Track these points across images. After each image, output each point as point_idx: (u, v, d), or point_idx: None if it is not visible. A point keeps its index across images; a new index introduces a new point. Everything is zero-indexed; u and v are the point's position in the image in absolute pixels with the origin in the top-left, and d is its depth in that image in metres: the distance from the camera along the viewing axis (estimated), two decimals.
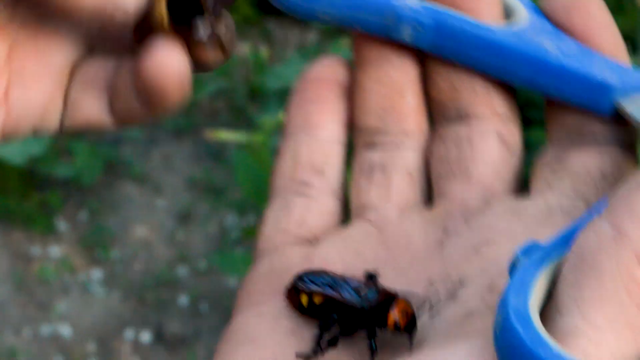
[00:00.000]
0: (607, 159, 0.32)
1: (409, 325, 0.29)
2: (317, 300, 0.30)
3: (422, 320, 0.29)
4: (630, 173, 0.30)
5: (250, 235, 1.58)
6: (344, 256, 0.33)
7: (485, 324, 0.27)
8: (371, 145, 0.36)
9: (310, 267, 0.32)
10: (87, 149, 1.81)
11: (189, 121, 2.10)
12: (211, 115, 2.11)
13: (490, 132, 0.35)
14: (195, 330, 1.56)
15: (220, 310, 1.57)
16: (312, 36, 2.30)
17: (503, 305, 0.23)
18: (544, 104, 0.34)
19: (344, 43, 1.64)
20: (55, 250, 1.76)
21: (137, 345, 1.59)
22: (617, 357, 0.23)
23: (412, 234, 0.33)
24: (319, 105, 0.36)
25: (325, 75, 0.36)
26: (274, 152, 1.24)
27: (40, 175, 1.83)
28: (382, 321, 0.29)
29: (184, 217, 1.83)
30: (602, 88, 0.31)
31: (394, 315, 0.29)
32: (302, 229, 0.35)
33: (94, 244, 1.77)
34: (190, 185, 1.90)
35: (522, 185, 0.35)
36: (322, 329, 0.29)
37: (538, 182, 0.33)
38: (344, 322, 0.30)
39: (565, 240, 0.25)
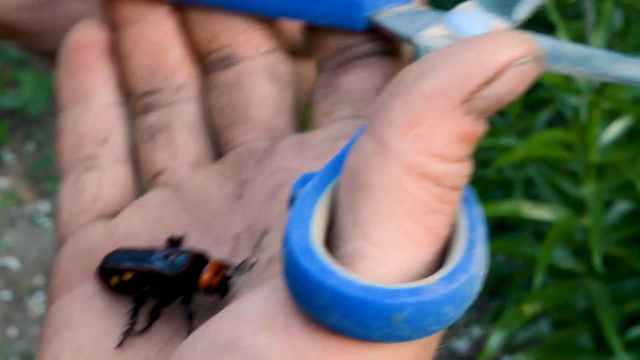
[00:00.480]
0: (376, 73, 0.32)
1: (221, 285, 0.29)
2: (127, 276, 0.30)
3: (240, 277, 0.29)
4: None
5: None
6: (147, 226, 0.32)
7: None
8: (147, 108, 0.35)
9: (114, 243, 0.31)
10: (33, 79, 1.78)
11: None
12: None
13: (258, 71, 0.34)
14: None
15: None
16: None
17: (286, 242, 0.22)
18: (306, 33, 0.34)
19: None
20: (2, 182, 1.74)
21: None
22: (404, 271, 0.22)
23: (209, 190, 0.32)
24: (87, 72, 0.35)
25: (86, 41, 0.35)
26: None
27: None
28: (194, 285, 0.29)
29: None
30: (353, 4, 0.32)
31: (204, 277, 0.28)
32: (99, 204, 0.33)
33: (41, 176, 1.75)
34: None
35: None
36: (137, 303, 0.29)
37: (318, 113, 0.33)
38: (160, 293, 0.29)
39: (338, 164, 0.24)
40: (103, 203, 0.33)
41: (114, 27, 0.35)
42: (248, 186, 0.32)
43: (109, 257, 0.30)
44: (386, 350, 0.22)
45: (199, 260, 0.29)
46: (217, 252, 0.30)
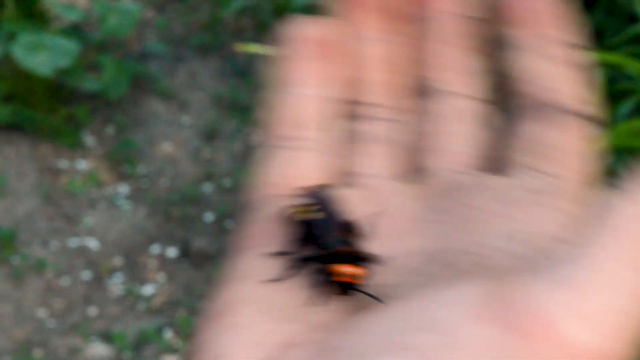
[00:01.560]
0: (570, 133, 0.33)
1: (345, 285, 0.29)
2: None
3: (407, 281, 0.30)
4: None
5: None
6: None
7: (478, 273, 0.28)
8: (355, 115, 0.36)
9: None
10: (114, 64, 1.81)
11: (214, 38, 2.08)
12: (237, 33, 2.10)
13: (464, 109, 0.35)
14: (220, 247, 1.58)
15: None
16: None
17: None
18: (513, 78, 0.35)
19: None
20: (83, 164, 1.77)
21: (163, 260, 1.61)
22: None
23: (401, 205, 0.33)
24: (312, 61, 0.36)
25: (320, 34, 0.36)
26: None
27: (68, 89, 1.83)
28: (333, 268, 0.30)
29: (210, 135, 1.83)
30: None
31: (342, 269, 0.30)
32: (297, 182, 0.35)
33: (121, 159, 1.78)
34: (216, 102, 1.90)
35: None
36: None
37: (511, 158, 0.33)
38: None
39: None
40: (301, 182, 0.35)
41: (345, 35, 0.36)
42: (446, 215, 0.32)
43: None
44: None
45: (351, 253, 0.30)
46: (403, 260, 0.31)
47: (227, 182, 1.72)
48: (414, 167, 0.35)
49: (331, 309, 0.30)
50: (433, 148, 0.35)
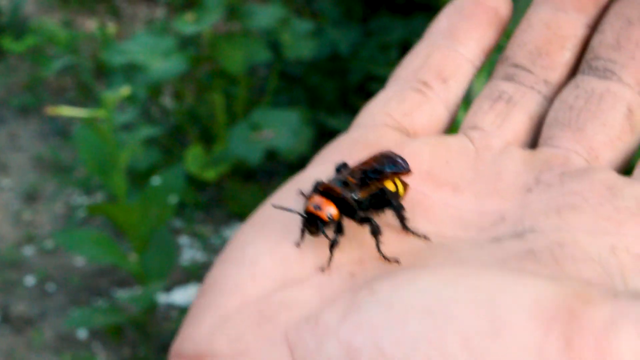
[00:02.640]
0: None
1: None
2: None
3: (476, 240, 0.30)
4: None
5: (96, 214, 1.57)
6: (433, 158, 0.33)
7: (550, 270, 0.27)
8: (509, 77, 0.36)
9: (397, 153, 0.32)
10: None
11: (35, 99, 2.05)
12: (58, 93, 2.08)
13: (623, 100, 0.34)
14: (41, 311, 1.54)
15: (68, 289, 1.56)
16: (159, 12, 2.28)
17: None
18: None
19: (189, 17, 1.64)
20: None
21: None
22: None
23: (506, 169, 0.33)
24: (470, 22, 0.37)
25: (487, 1, 0.37)
26: (118, 129, 1.22)
27: None
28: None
29: (30, 196, 1.79)
30: None
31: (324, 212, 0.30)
32: (406, 119, 0.35)
33: None
34: (37, 163, 1.87)
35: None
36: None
37: None
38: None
39: None
40: (410, 122, 0.35)
41: None
42: (542, 188, 0.32)
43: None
44: None
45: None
46: (472, 217, 0.31)
47: (48, 245, 1.68)
48: (544, 136, 0.34)
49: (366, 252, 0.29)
50: (570, 124, 0.33)
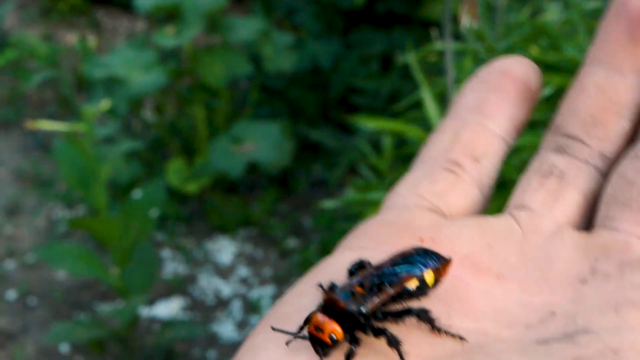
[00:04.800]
0: None
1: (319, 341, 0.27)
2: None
3: (520, 341, 0.27)
4: None
5: (77, 228, 1.57)
6: (474, 241, 0.30)
7: None
8: (560, 149, 0.33)
9: (434, 233, 0.30)
10: None
11: (16, 113, 2.05)
12: (39, 107, 2.07)
13: None
14: (23, 325, 1.54)
15: (49, 304, 1.55)
16: (140, 25, 2.28)
17: None
18: None
19: (169, 31, 1.65)
20: None
21: None
22: None
23: (557, 255, 0.30)
24: (498, 96, 0.34)
25: (514, 72, 0.34)
26: (98, 143, 1.22)
27: None
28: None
29: (12, 211, 1.79)
30: None
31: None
32: (440, 200, 0.32)
33: None
34: (18, 177, 1.87)
35: None
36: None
37: None
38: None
39: None
40: (445, 203, 0.32)
41: (586, 61, 0.33)
42: (599, 279, 0.28)
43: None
44: None
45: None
46: (518, 311, 0.28)
47: (29, 259, 1.68)
48: (601, 217, 0.31)
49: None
50: (630, 203, 0.30)
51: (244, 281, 1.51)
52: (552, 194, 0.32)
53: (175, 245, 1.60)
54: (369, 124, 1.05)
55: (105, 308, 1.47)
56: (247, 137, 1.56)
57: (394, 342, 0.27)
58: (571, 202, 0.31)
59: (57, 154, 1.40)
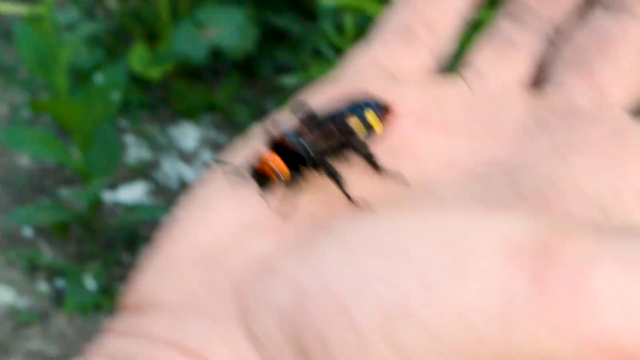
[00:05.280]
0: None
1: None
2: None
3: (462, 179, 0.28)
4: None
5: (38, 111, 1.56)
6: (422, 98, 0.31)
7: (535, 208, 0.25)
8: (512, 16, 0.34)
9: (386, 93, 0.30)
10: None
11: None
12: None
13: (636, 36, 0.31)
14: None
15: (12, 189, 1.55)
16: None
17: None
18: None
19: None
20: None
21: None
22: None
23: (503, 111, 0.31)
24: None
25: None
26: (60, 29, 1.20)
27: None
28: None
29: None
30: None
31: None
32: (393, 64, 0.33)
33: None
34: None
35: None
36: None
37: None
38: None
39: None
40: (396, 66, 0.33)
41: None
42: (545, 132, 0.29)
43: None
44: None
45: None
46: (463, 160, 0.29)
47: None
48: (550, 78, 0.32)
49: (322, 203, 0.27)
50: (580, 66, 0.31)
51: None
52: (502, 56, 0.33)
53: (139, 131, 1.59)
54: (329, 1, 1.05)
55: (68, 192, 1.46)
56: (211, 23, 1.54)
57: (334, 175, 0.28)
58: (520, 63, 0.33)
59: (18, 38, 1.38)
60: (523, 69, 0.33)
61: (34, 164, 1.58)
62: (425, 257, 0.21)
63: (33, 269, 1.35)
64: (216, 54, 1.56)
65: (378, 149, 0.29)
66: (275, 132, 0.29)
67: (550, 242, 0.21)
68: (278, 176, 0.27)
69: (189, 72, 1.66)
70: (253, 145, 0.29)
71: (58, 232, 1.38)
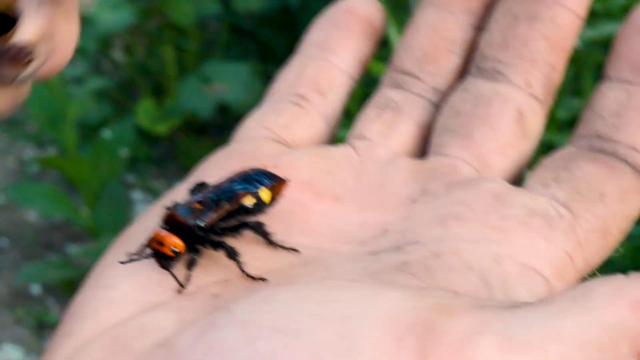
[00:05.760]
0: (615, 178, 0.30)
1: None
2: None
3: (354, 254, 0.28)
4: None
5: (47, 167, 1.56)
6: (313, 168, 0.32)
7: (421, 282, 0.26)
8: (396, 85, 0.35)
9: (277, 162, 0.31)
10: None
11: None
12: None
13: (513, 102, 0.32)
14: None
15: (21, 245, 1.55)
16: None
17: None
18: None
19: None
20: None
21: None
22: None
23: (391, 179, 0.31)
24: (343, 33, 0.36)
25: (359, 10, 0.36)
26: (68, 83, 1.21)
27: None
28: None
29: None
30: None
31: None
32: (285, 132, 0.34)
33: None
34: None
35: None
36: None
37: (535, 179, 0.31)
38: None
39: None
40: (289, 134, 0.34)
41: (421, 2, 0.35)
42: (428, 199, 0.30)
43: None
44: None
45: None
46: (354, 229, 0.30)
47: (0, 200, 1.68)
48: (433, 145, 0.33)
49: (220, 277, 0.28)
50: (458, 131, 0.32)
51: None
52: (388, 125, 0.34)
53: (146, 187, 1.60)
54: None
55: (76, 249, 1.47)
56: (217, 78, 1.55)
57: (232, 254, 0.28)
58: (406, 132, 0.34)
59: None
60: (409, 135, 0.34)
61: (41, 220, 1.59)
62: (317, 338, 0.22)
63: (41, 327, 1.35)
64: (222, 109, 1.58)
65: (271, 221, 0.30)
66: (170, 210, 0.30)
67: (433, 321, 0.21)
68: (174, 252, 0.28)
69: (196, 127, 1.67)
70: (152, 223, 0.30)
71: (66, 289, 1.38)
